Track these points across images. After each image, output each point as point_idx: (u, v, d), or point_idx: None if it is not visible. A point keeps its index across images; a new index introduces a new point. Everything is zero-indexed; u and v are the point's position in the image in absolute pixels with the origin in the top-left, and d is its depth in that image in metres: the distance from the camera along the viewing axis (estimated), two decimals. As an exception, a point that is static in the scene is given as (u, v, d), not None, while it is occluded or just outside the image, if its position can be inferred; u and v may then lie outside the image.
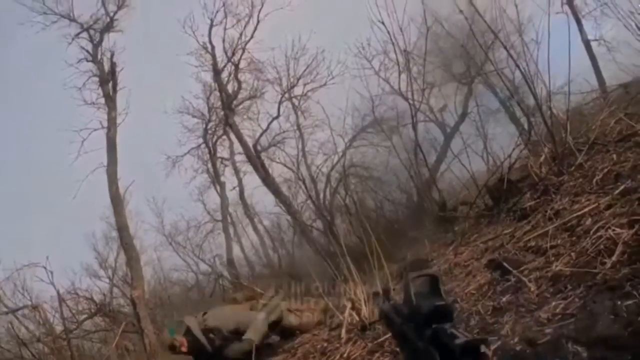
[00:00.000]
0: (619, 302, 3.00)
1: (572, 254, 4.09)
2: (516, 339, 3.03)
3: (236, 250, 17.40)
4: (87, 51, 15.18)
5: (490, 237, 7.18)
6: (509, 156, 9.49)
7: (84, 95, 14.85)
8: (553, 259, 4.30)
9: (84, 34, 15.25)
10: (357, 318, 6.01)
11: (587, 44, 13.84)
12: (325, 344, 6.28)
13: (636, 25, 9.53)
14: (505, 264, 4.69)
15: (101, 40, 15.32)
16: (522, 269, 4.49)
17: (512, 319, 3.44)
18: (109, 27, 15.35)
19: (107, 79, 14.92)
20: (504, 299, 3.96)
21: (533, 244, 5.28)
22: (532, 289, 3.76)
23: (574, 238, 4.60)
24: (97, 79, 15.04)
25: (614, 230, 3.93)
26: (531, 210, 6.80)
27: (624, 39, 11.10)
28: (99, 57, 15.16)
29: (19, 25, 15.33)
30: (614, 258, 3.55)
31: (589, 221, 4.84)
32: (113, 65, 14.95)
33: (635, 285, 3.08)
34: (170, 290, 17.37)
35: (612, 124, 7.98)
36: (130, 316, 15.28)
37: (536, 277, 3.98)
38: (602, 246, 3.84)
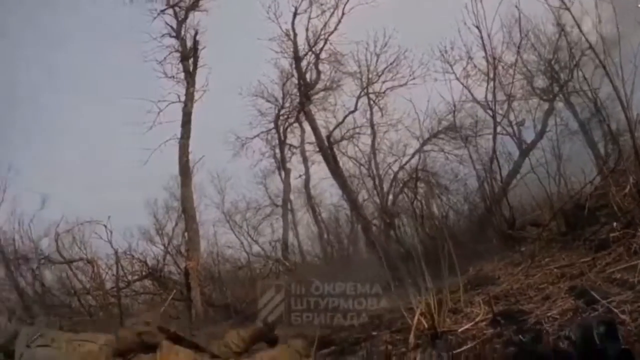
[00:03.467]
0: None
1: (669, 290, 4.19)
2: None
3: (290, 236, 17.95)
4: (171, 27, 15.78)
5: (565, 263, 7.28)
6: (591, 182, 9.44)
7: (165, 68, 15.47)
8: (646, 293, 4.41)
9: (170, 11, 15.89)
10: (425, 324, 6.07)
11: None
12: (389, 347, 6.32)
13: None
14: (593, 292, 4.82)
15: (186, 17, 15.85)
16: (609, 300, 4.61)
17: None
18: (194, 5, 15.89)
19: (189, 56, 15.49)
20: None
21: (618, 276, 5.38)
22: (627, 321, 3.90)
23: (666, 275, 4.69)
24: (178, 54, 15.65)
25: None
26: (612, 242, 6.86)
27: None
28: (182, 34, 15.78)
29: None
30: None
31: (681, 261, 4.93)
32: (196, 43, 15.50)
33: None
34: (221, 267, 18.08)
35: None
36: (179, 284, 15.95)
37: (629, 309, 4.10)
38: None
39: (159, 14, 15.68)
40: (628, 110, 8.85)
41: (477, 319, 5.92)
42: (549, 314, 5.10)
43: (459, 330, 5.76)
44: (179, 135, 14.72)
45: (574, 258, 7.28)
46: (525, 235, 10.05)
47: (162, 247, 19.12)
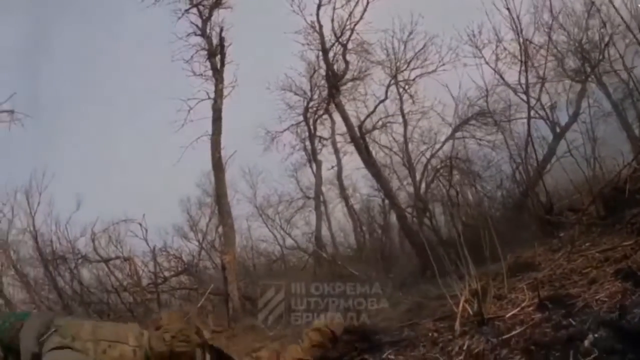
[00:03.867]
0: None
1: None
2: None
3: (323, 229, 18.19)
4: (197, 26, 16.00)
5: (607, 247, 7.32)
6: (629, 164, 9.40)
7: (193, 67, 15.73)
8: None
9: (194, 10, 16.12)
10: (470, 311, 6.13)
11: None
12: (434, 334, 6.36)
13: None
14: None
15: (210, 15, 16.07)
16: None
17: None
18: (218, 3, 16.10)
19: (215, 53, 15.73)
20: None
21: (664, 258, 5.43)
22: None
23: None
24: (205, 52, 15.89)
25: None
26: (656, 224, 6.92)
27: None
28: (207, 31, 16.02)
29: (133, -1, 16.21)
30: None
31: None
32: (222, 40, 15.71)
33: None
34: (256, 260, 18.47)
35: None
36: (214, 279, 16.37)
37: None
38: None
39: (183, 14, 15.96)
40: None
41: (523, 304, 5.96)
42: (597, 297, 5.19)
43: (506, 315, 5.81)
44: (210, 132, 15.06)
45: (616, 242, 7.30)
46: (563, 220, 10.04)
47: (197, 243, 19.68)
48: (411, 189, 14.53)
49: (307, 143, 18.12)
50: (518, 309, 5.91)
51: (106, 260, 17.13)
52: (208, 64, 15.88)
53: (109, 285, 16.78)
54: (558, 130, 12.81)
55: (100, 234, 17.17)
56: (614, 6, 11.42)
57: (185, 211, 19.92)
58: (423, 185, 14.44)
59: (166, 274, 17.63)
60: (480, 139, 14.46)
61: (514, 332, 5.25)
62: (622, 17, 11.24)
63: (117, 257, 17.35)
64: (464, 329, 5.95)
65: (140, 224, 16.80)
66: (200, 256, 19.10)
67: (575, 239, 8.44)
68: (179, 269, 17.99)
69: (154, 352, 4.73)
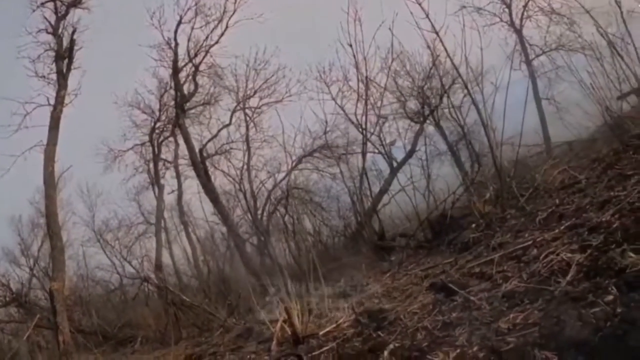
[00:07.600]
0: (583, 311, 3.01)
1: (523, 275, 4.03)
2: (475, 348, 2.82)
3: (165, 257, 16.45)
4: (50, 23, 14.11)
5: (429, 265, 7.12)
6: (454, 193, 9.64)
7: (37, 67, 13.72)
8: (501, 281, 4.22)
9: (50, 4, 14.26)
10: (288, 331, 5.69)
11: (538, 102, 14.48)
12: (253, 356, 6.05)
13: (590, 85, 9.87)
14: (450, 285, 4.54)
15: (66, 13, 14.08)
16: (468, 290, 4.33)
17: (467, 331, 3.27)
18: (76, 1, 14.46)
19: (64, 56, 13.76)
20: (453, 315, 3.80)
21: (477, 270, 5.26)
22: (484, 306, 3.60)
23: (521, 264, 4.63)
24: (53, 53, 13.99)
25: (565, 254, 3.92)
26: (473, 243, 6.87)
27: (574, 100, 11.45)
28: (60, 31, 14.15)
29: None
30: (569, 277, 3.61)
31: (535, 251, 4.84)
32: (72, 42, 13.78)
33: (598, 296, 3.13)
34: (92, 289, 16.11)
35: (555, 174, 8.31)
36: (47, 311, 14.04)
37: (486, 296, 3.84)
38: (555, 267, 3.91)
39: (38, 7, 13.93)
40: (489, 130, 9.19)
41: (339, 321, 5.52)
42: (409, 309, 4.75)
43: (321, 333, 5.32)
44: (44, 142, 12.99)
45: (438, 260, 7.15)
46: (395, 245, 10.00)
47: (28, 269, 16.93)
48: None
49: (151, 165, 16.62)
50: (333, 325, 5.44)
51: None
52: (54, 66, 13.89)
53: None
54: (395, 165, 13.01)
55: None
56: (452, 61, 11.83)
57: (16, 232, 17.07)
58: (265, 214, 13.76)
59: (-9, 304, 14.74)
60: (322, 171, 14.30)
61: (325, 348, 4.75)
62: (458, 73, 11.61)
63: None
64: (282, 349, 5.60)
65: (-36, 244, 13.88)
66: (31, 284, 16.38)
67: (403, 261, 8.37)
68: (7, 299, 15.15)
69: None
